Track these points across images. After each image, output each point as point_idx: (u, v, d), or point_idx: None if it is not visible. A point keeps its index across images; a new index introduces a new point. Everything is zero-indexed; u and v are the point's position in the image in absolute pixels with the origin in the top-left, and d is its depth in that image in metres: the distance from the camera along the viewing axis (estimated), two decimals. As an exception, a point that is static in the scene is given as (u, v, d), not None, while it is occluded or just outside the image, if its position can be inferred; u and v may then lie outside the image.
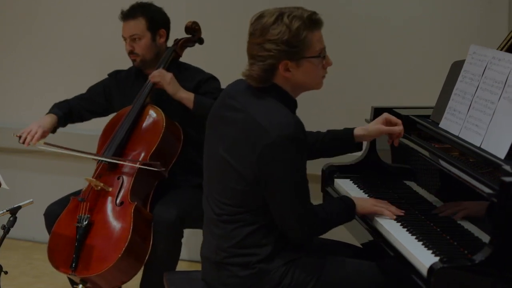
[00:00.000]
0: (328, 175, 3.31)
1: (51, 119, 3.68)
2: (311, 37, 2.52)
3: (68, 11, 4.78)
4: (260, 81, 2.55)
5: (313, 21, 2.53)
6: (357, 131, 2.93)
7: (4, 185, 3.09)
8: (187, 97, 3.54)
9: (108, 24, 4.63)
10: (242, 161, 2.51)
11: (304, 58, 2.53)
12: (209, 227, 2.67)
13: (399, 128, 2.87)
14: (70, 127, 3.72)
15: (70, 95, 4.78)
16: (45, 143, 3.52)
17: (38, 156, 4.95)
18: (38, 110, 4.89)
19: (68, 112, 3.76)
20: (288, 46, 2.48)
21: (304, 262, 2.60)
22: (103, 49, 4.68)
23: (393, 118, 2.90)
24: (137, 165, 3.41)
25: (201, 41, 3.81)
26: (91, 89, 3.87)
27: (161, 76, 3.56)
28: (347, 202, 2.72)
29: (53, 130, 3.70)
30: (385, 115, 2.92)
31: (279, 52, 2.48)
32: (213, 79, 3.68)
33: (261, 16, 2.53)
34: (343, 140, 2.95)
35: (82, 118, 3.84)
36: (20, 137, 3.60)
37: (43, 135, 3.59)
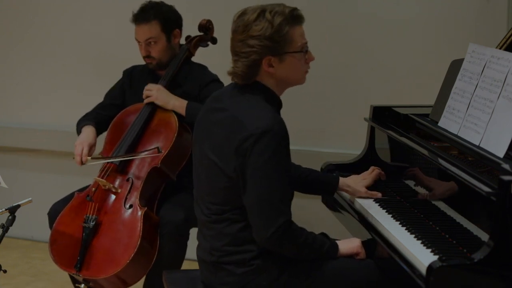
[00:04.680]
0: (327, 174, 3.31)
1: (91, 130, 3.59)
2: (292, 32, 2.55)
3: (68, 11, 4.78)
4: (245, 77, 2.57)
5: (294, 17, 2.55)
6: (341, 185, 3.00)
7: (3, 184, 3.09)
8: (179, 105, 3.51)
9: (108, 24, 4.64)
10: (224, 157, 2.52)
11: (287, 53, 2.56)
12: (201, 230, 2.68)
13: (378, 194, 2.99)
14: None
15: (69, 95, 4.81)
16: (92, 158, 3.48)
17: (38, 155, 4.96)
18: (38, 109, 4.92)
19: (97, 122, 3.68)
20: (270, 42, 2.51)
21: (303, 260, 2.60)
22: (103, 49, 4.68)
23: (375, 176, 3.06)
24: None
25: (214, 41, 3.75)
26: (109, 95, 3.80)
27: (147, 92, 3.56)
28: (332, 243, 2.67)
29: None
30: (370, 178, 3.05)
31: (262, 47, 2.51)
32: (213, 82, 3.63)
33: (243, 13, 2.57)
34: (327, 186, 3.01)
35: (108, 125, 3.74)
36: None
37: (91, 149, 3.51)
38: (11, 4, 4.91)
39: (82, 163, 3.47)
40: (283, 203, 2.49)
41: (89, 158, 3.47)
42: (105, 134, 3.70)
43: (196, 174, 2.71)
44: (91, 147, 3.53)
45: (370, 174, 3.05)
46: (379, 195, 2.98)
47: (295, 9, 2.57)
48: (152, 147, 3.44)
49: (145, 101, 3.56)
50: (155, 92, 3.54)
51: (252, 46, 2.51)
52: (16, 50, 4.93)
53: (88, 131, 3.59)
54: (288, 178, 2.52)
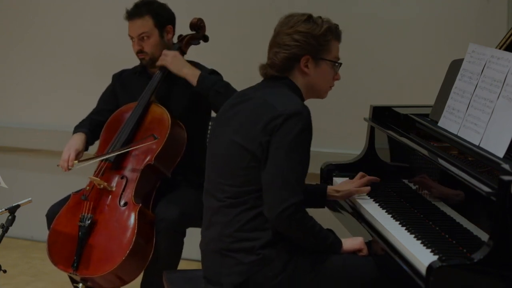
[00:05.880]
0: (327, 174, 3.31)
1: (80, 137, 3.62)
2: (333, 44, 2.73)
3: (68, 11, 4.78)
4: (280, 68, 2.69)
5: (337, 32, 2.75)
6: (329, 191, 3.04)
7: (3, 184, 3.09)
8: (192, 73, 3.52)
9: (108, 24, 4.64)
10: (250, 136, 2.59)
11: (323, 60, 2.71)
12: (210, 219, 2.69)
13: (367, 189, 3.02)
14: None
15: (69, 95, 4.81)
16: (79, 161, 3.50)
17: (38, 155, 4.96)
18: (38, 109, 4.92)
19: (91, 129, 3.69)
20: (315, 41, 2.67)
21: (307, 251, 2.63)
22: (103, 49, 4.68)
23: (364, 181, 3.05)
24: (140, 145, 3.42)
25: (206, 39, 3.76)
26: (101, 100, 3.81)
27: (162, 56, 3.57)
28: (336, 237, 2.72)
29: (85, 148, 3.65)
30: (360, 181, 3.06)
31: (306, 44, 2.66)
32: (213, 73, 3.65)
33: (291, 15, 2.72)
34: (316, 195, 3.03)
35: None
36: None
37: (77, 155, 3.53)
38: (11, 4, 4.91)
39: (68, 168, 3.50)
40: (299, 185, 2.56)
41: (76, 162, 3.49)
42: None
43: (211, 164, 2.73)
44: (78, 153, 3.55)
45: (359, 179, 3.07)
46: (367, 189, 3.02)
47: (338, 26, 2.76)
48: (146, 148, 3.44)
49: (158, 63, 3.58)
50: (170, 58, 3.56)
51: (297, 41, 2.65)
52: (16, 50, 4.93)
53: (77, 138, 3.62)
54: (308, 163, 2.60)
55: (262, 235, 2.59)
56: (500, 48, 3.03)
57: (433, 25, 4.06)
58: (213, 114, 3.64)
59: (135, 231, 3.26)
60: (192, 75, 3.52)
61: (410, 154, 2.97)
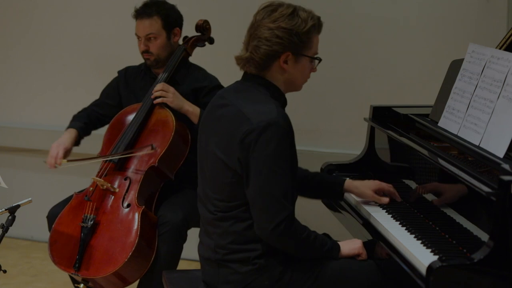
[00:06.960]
0: (327, 174, 3.31)
1: (69, 134, 3.62)
2: (314, 39, 2.63)
3: (67, 10, 4.78)
4: (260, 65, 2.59)
5: (319, 26, 2.64)
6: (348, 186, 2.96)
7: (3, 184, 3.09)
8: (192, 111, 3.51)
9: (108, 24, 4.64)
10: (229, 151, 2.53)
11: (304, 56, 2.60)
12: (206, 228, 2.68)
13: (386, 200, 2.92)
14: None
15: (68, 94, 4.81)
16: (68, 161, 3.49)
17: (38, 155, 4.95)
18: (38, 109, 4.92)
19: (88, 121, 3.70)
20: (298, 39, 2.56)
21: (304, 259, 2.61)
22: (102, 48, 4.68)
23: (386, 187, 2.95)
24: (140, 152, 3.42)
25: (211, 41, 3.75)
26: (104, 93, 3.80)
27: (163, 93, 3.51)
28: (334, 243, 2.68)
29: (76, 143, 3.65)
30: (381, 185, 2.95)
31: (289, 42, 2.56)
32: (218, 88, 3.61)
33: (273, 4, 2.61)
34: (332, 188, 2.98)
35: (102, 123, 3.78)
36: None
37: (66, 154, 3.53)
38: (11, 4, 4.91)
39: (55, 166, 3.49)
40: (285, 198, 2.49)
41: (65, 160, 3.48)
42: (100, 132, 3.72)
43: (201, 173, 2.72)
44: (66, 151, 3.55)
45: (382, 183, 2.97)
46: (386, 200, 2.92)
47: (320, 18, 2.64)
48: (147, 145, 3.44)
49: (158, 100, 3.52)
50: (171, 95, 3.52)
51: (280, 37, 2.54)
52: (16, 50, 4.93)
53: (67, 135, 3.62)
54: (293, 173, 2.53)
55: (257, 247, 2.56)
56: (500, 48, 3.02)
57: (433, 25, 4.06)
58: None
59: (138, 233, 3.26)
60: (192, 113, 3.51)
61: (410, 154, 2.97)
